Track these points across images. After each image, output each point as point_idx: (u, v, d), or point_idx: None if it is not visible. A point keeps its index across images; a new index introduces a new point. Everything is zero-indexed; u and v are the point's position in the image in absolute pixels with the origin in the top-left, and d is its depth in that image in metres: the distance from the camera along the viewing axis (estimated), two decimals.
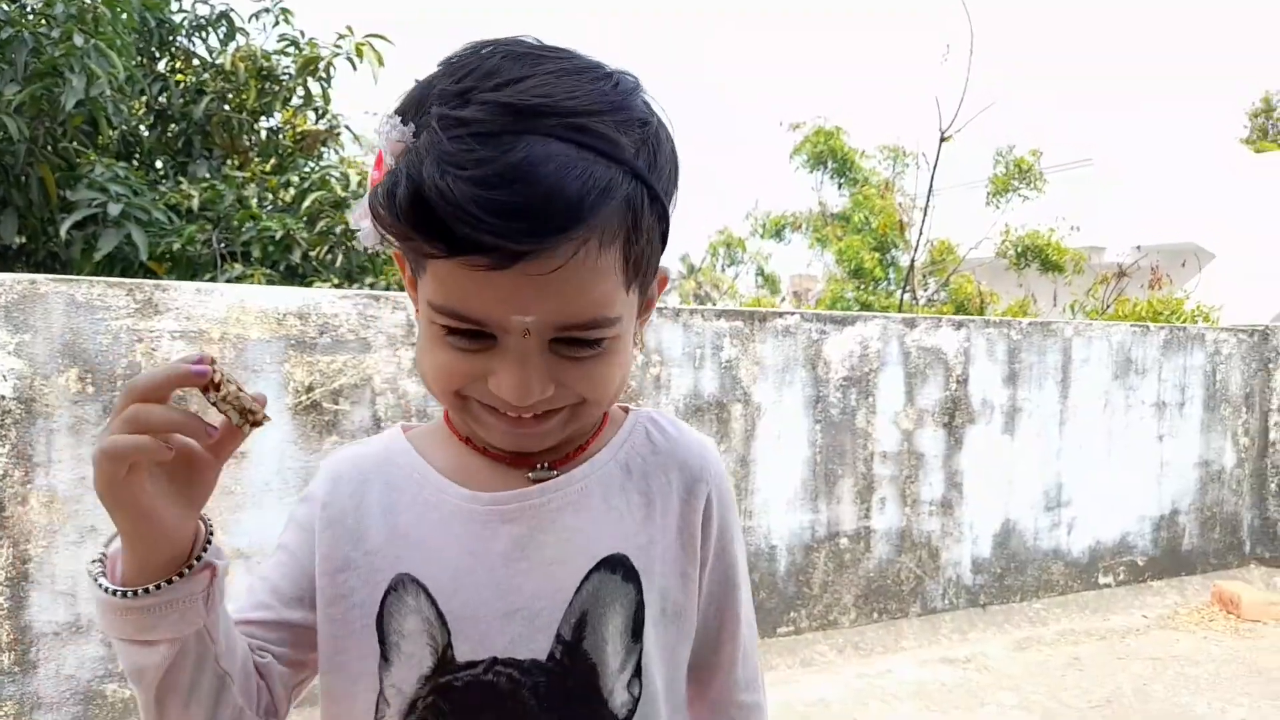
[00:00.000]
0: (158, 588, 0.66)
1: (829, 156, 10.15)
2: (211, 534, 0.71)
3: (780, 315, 3.88)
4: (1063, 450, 4.57)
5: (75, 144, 5.01)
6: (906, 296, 8.98)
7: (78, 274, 4.47)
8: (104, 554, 0.69)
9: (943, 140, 6.86)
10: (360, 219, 0.70)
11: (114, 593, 0.66)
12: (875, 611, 4.12)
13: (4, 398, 2.59)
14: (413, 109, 0.67)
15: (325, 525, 0.80)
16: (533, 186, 0.61)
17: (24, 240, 4.86)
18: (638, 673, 0.78)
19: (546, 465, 0.80)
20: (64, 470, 2.65)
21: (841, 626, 4.03)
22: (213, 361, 0.65)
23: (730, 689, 0.89)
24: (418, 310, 0.74)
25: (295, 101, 6.11)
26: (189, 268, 4.79)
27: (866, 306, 9.22)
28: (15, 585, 2.63)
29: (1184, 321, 7.61)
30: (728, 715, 0.90)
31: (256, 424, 0.67)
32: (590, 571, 0.77)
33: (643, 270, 0.72)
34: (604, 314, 0.69)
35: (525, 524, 0.77)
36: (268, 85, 5.91)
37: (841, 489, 4.01)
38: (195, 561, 0.68)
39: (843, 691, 3.55)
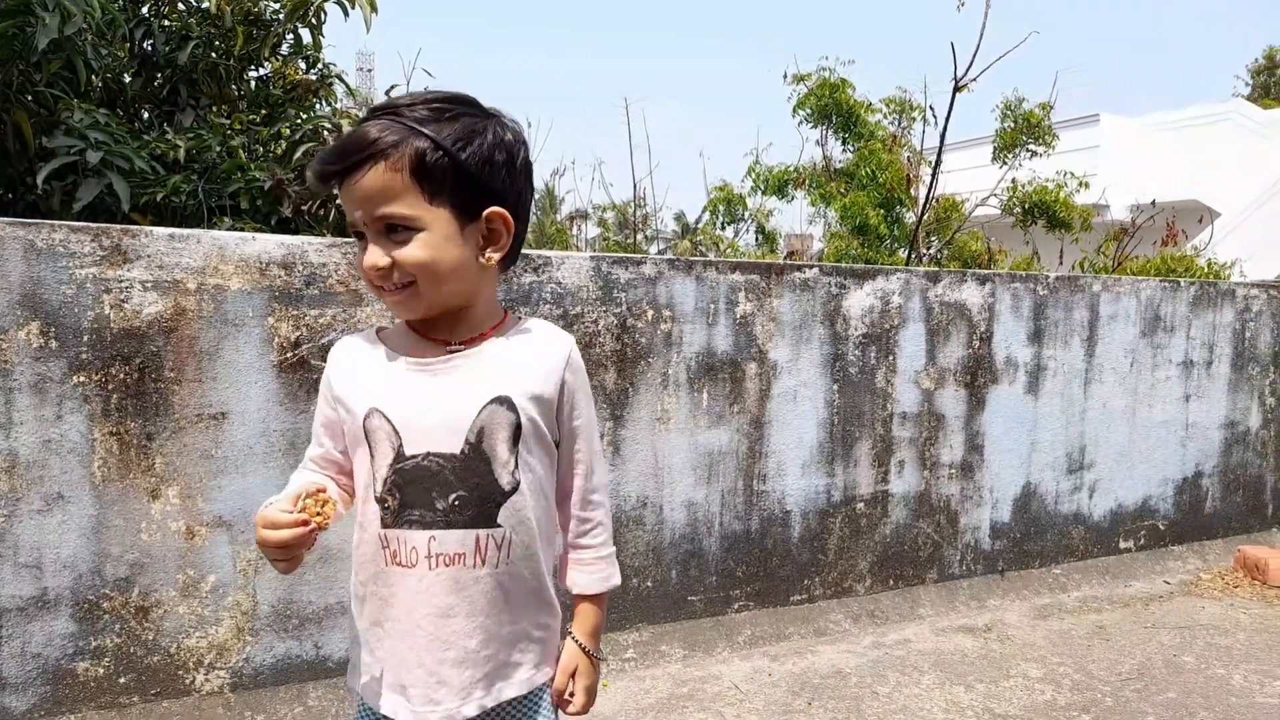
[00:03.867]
0: None
1: (834, 110, 9.84)
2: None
3: (799, 268, 3.65)
4: (1087, 411, 4.38)
5: (54, 91, 4.71)
6: (911, 255, 8.74)
7: None
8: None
9: (957, 90, 6.57)
10: (312, 183, 1.26)
11: None
12: (891, 578, 3.95)
13: None
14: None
15: (336, 386, 1.32)
16: (346, 140, 1.21)
17: (1, 191, 4.58)
18: (516, 467, 1.27)
19: (460, 344, 1.29)
20: (26, 433, 2.43)
21: (857, 594, 3.87)
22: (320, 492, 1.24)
23: (584, 492, 1.40)
24: None
25: (284, 49, 5.78)
26: (174, 220, 4.52)
27: (870, 265, 8.98)
28: None
29: (1200, 277, 7.39)
30: (584, 509, 1.41)
31: (323, 528, 1.21)
32: (487, 403, 1.25)
33: (441, 191, 1.19)
34: (400, 211, 1.18)
35: (446, 376, 1.27)
36: (255, 31, 5.57)
37: (859, 452, 3.81)
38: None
39: (859, 662, 3.39)
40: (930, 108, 9.48)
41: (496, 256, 1.26)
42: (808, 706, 3.01)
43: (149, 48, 5.40)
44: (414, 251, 1.18)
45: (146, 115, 5.60)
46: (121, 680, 2.59)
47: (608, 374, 3.29)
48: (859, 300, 3.76)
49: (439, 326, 1.28)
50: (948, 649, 3.54)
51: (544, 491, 1.33)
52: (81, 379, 2.48)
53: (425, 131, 1.17)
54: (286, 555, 1.17)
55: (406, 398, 1.24)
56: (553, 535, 1.39)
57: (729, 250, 12.35)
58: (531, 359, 1.30)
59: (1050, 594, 4.20)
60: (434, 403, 1.23)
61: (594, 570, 1.42)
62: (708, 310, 3.45)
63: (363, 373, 1.29)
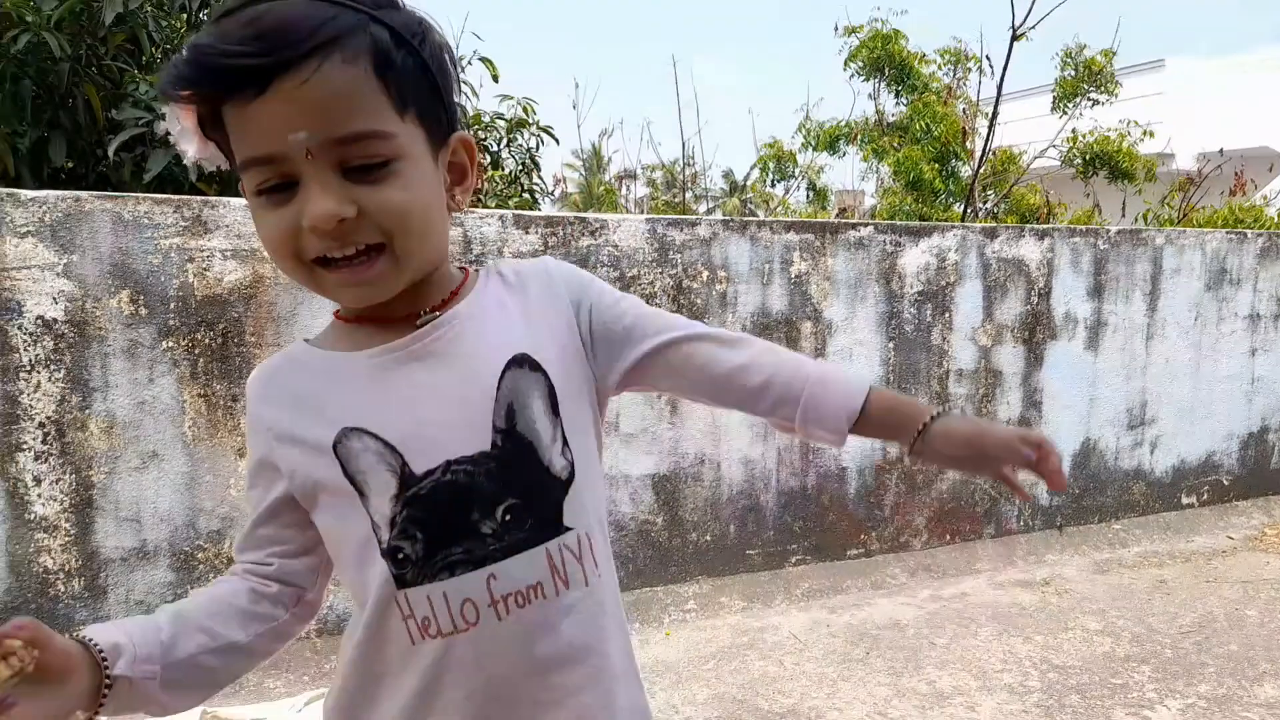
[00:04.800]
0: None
1: (886, 62, 9.65)
2: (105, 663, 0.79)
3: (853, 226, 3.66)
4: (1149, 366, 4.33)
5: (119, 63, 4.86)
6: (966, 210, 8.60)
7: None
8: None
9: (1014, 39, 6.41)
10: (172, 123, 0.83)
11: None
12: (948, 534, 3.98)
13: (56, 321, 2.50)
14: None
15: (274, 425, 0.91)
16: (266, 21, 0.76)
17: (73, 163, 4.77)
18: (566, 442, 0.92)
19: (431, 310, 0.92)
20: (121, 395, 2.58)
21: (913, 548, 3.91)
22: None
23: (715, 342, 1.00)
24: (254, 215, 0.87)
25: None
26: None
27: (924, 220, 8.87)
28: (80, 512, 2.59)
29: (1269, 228, 7.17)
30: (720, 347, 1.00)
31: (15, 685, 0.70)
32: (504, 370, 0.90)
33: (410, 101, 0.83)
34: (371, 125, 0.80)
35: (432, 356, 0.90)
36: None
37: None
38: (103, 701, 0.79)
39: (916, 614, 3.45)
40: (986, 57, 9.24)
41: (466, 199, 0.95)
42: (866, 656, 3.08)
43: (204, 18, 5.54)
44: (394, 193, 0.82)
45: None
46: None
47: None
48: (914, 257, 3.76)
49: (395, 303, 0.90)
50: (1005, 602, 3.58)
51: (596, 465, 0.99)
52: (170, 344, 2.61)
53: (378, 15, 0.81)
54: None
55: (391, 399, 0.88)
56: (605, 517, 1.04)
57: (779, 208, 12.26)
58: (525, 299, 0.97)
59: (1110, 549, 4.19)
60: (434, 392, 0.89)
61: (835, 382, 0.99)
62: (762, 270, 3.48)
63: (310, 394, 0.91)
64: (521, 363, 0.91)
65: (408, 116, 0.83)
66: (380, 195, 0.81)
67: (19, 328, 2.47)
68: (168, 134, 0.83)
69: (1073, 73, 9.46)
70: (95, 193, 2.51)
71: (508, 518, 0.88)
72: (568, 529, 0.91)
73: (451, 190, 0.93)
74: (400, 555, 0.87)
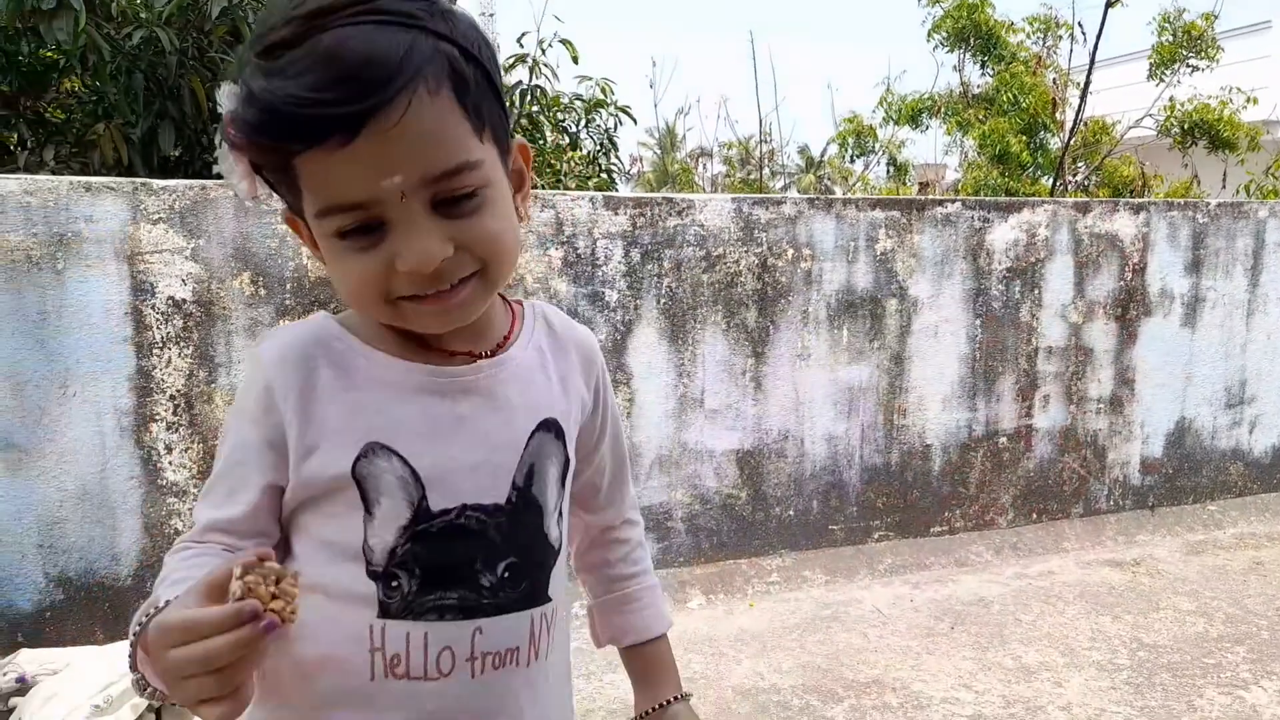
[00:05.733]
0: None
1: (971, 32, 9.42)
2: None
3: (940, 203, 3.64)
4: (1248, 343, 4.20)
5: (220, 54, 5.11)
6: (1056, 183, 8.37)
7: None
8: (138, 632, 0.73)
9: (1109, 4, 6.20)
10: (225, 165, 0.77)
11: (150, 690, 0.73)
12: (1034, 512, 3.96)
13: (185, 301, 2.70)
14: (235, 72, 0.75)
15: (293, 406, 0.84)
16: (346, 59, 0.70)
17: (181, 151, 5.04)
18: (562, 515, 0.94)
19: (488, 354, 0.91)
20: (243, 371, 2.76)
21: (999, 527, 3.90)
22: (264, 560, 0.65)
23: (621, 511, 1.12)
24: (318, 252, 0.82)
25: None
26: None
27: (1011, 195, 8.66)
28: (206, 478, 2.79)
29: None
30: (622, 527, 1.13)
31: (286, 620, 0.65)
32: (534, 431, 0.91)
33: (485, 119, 0.79)
34: (464, 157, 0.76)
35: (478, 394, 0.88)
36: None
37: (1002, 386, 3.81)
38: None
39: (1002, 591, 3.46)
40: (1079, 24, 8.95)
41: (527, 207, 0.90)
42: (950, 630, 3.11)
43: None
44: (488, 223, 0.79)
45: None
46: None
47: (749, 312, 3.40)
48: (1003, 234, 3.72)
49: (458, 331, 0.86)
50: (1094, 581, 3.55)
51: (573, 535, 1.09)
52: (286, 322, 2.79)
53: (444, 32, 0.76)
54: (225, 684, 0.64)
55: (431, 427, 0.85)
56: None
57: (857, 184, 12.10)
58: (565, 363, 0.98)
59: (1204, 530, 4.11)
60: (472, 432, 0.87)
61: (653, 605, 1.11)
62: (847, 248, 3.50)
63: (341, 388, 0.85)
64: (550, 427, 0.92)
65: (484, 135, 0.79)
66: (476, 228, 0.78)
67: (152, 307, 2.66)
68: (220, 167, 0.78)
69: (1170, 38, 9.07)
70: (218, 182, 2.69)
71: (507, 575, 0.87)
72: (549, 599, 0.91)
73: (513, 200, 0.87)
74: (394, 584, 0.83)
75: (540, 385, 0.93)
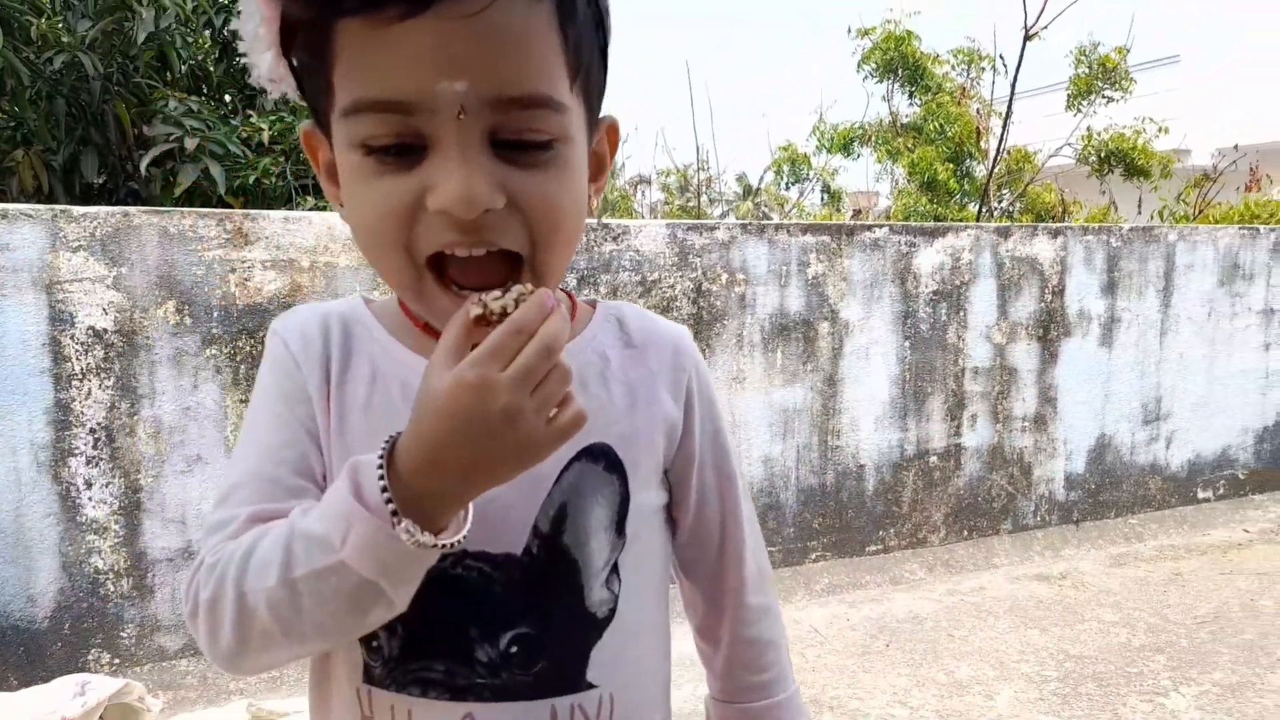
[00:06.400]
0: (460, 541, 0.60)
1: (900, 63, 9.71)
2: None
3: (869, 228, 3.74)
4: (1163, 361, 4.38)
5: (146, 80, 5.02)
6: (982, 209, 8.65)
7: None
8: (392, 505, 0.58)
9: (1027, 38, 6.47)
10: (247, 26, 0.62)
11: (442, 544, 0.58)
12: (965, 529, 4.05)
13: (106, 331, 2.63)
14: None
15: (318, 389, 0.71)
16: None
17: (104, 178, 4.93)
18: (616, 571, 0.74)
19: None
20: (168, 401, 2.70)
21: (931, 544, 3.98)
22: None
23: (738, 590, 0.84)
24: (336, 190, 0.67)
25: None
26: (263, 201, 4.81)
27: (939, 220, 8.92)
28: (129, 514, 2.71)
29: None
30: (736, 618, 0.85)
31: None
32: (570, 461, 0.71)
33: (583, 64, 0.64)
34: (546, 90, 0.60)
35: None
36: None
37: (931, 406, 3.91)
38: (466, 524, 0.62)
39: (935, 608, 3.52)
40: (1000, 57, 9.29)
41: (598, 202, 0.74)
42: (885, 648, 3.16)
43: (228, 34, 5.68)
44: (552, 186, 0.63)
45: (229, 99, 5.91)
46: None
47: None
48: (929, 258, 3.83)
49: None
50: (1023, 595, 3.64)
51: (653, 611, 0.80)
52: (213, 352, 2.73)
53: None
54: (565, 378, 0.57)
55: None
56: (669, 673, 0.85)
57: (794, 211, 12.33)
58: (643, 368, 0.78)
59: (1126, 543, 4.25)
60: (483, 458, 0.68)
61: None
62: (780, 272, 3.57)
63: (352, 381, 0.72)
64: (598, 455, 0.72)
65: (576, 87, 0.64)
66: (538, 186, 0.61)
67: (71, 338, 2.59)
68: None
69: (1086, 70, 9.49)
70: (142, 208, 2.63)
71: (513, 650, 0.69)
72: (590, 686, 0.72)
73: (594, 193, 0.73)
74: (374, 643, 0.70)
75: (594, 400, 0.73)
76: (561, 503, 0.71)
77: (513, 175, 0.60)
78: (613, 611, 0.74)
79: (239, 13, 0.62)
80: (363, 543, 0.56)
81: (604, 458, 0.72)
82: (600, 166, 0.73)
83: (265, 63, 0.62)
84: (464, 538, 0.60)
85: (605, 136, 0.73)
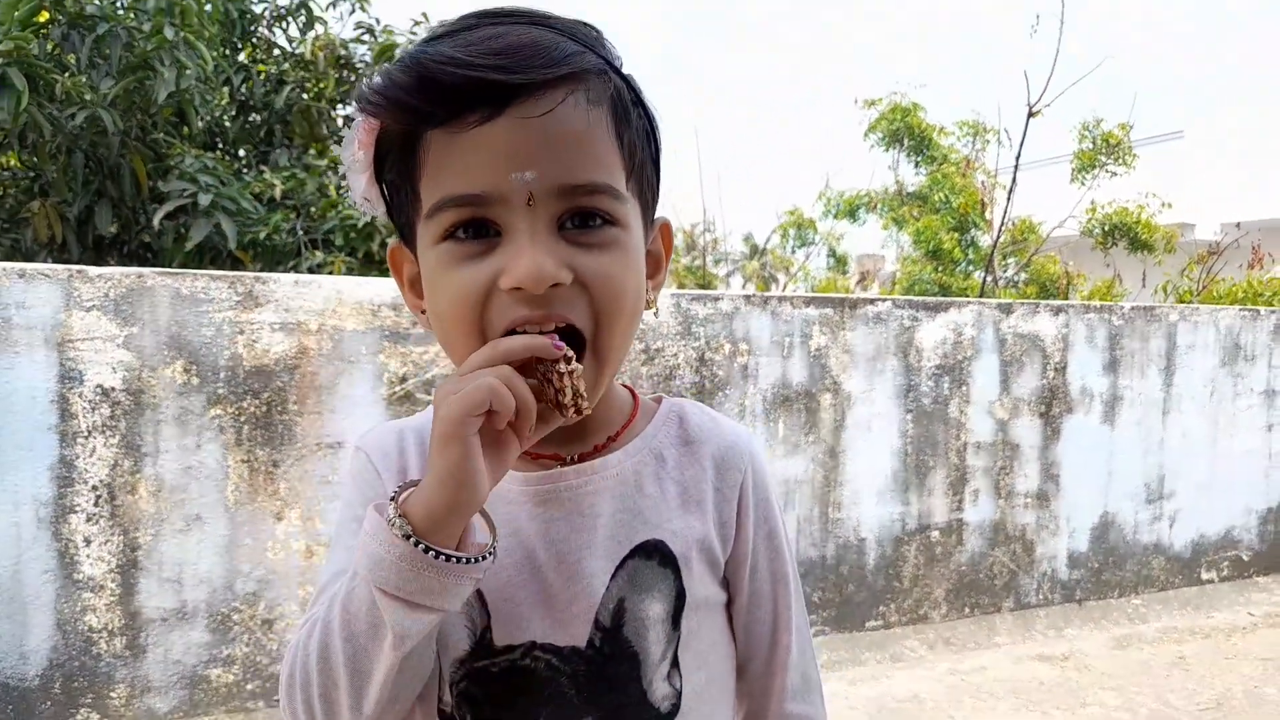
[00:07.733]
0: (480, 559, 0.64)
1: (905, 134, 9.89)
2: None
3: (871, 302, 3.77)
4: (1165, 440, 4.38)
5: (163, 135, 5.13)
6: (986, 278, 8.72)
7: (169, 263, 4.57)
8: (399, 514, 0.64)
9: (1030, 115, 6.60)
10: (348, 154, 0.71)
11: (438, 554, 0.61)
12: (967, 606, 4.01)
13: (114, 389, 2.65)
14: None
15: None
16: (512, 41, 0.65)
17: (117, 230, 5.01)
18: (676, 664, 0.76)
19: (576, 459, 0.77)
20: (170, 460, 2.71)
21: (932, 621, 3.94)
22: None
23: (780, 696, 0.83)
24: (418, 293, 0.74)
25: None
26: (273, 255, 4.88)
27: (944, 288, 8.99)
28: (125, 572, 2.70)
29: None
30: None
31: (579, 413, 0.65)
32: (626, 558, 0.74)
33: (636, 165, 0.72)
34: (606, 180, 0.68)
35: (561, 507, 0.75)
36: (345, 74, 5.96)
37: (933, 480, 3.90)
38: (494, 543, 0.66)
39: (935, 688, 3.47)
40: (1005, 130, 9.47)
41: (656, 297, 0.79)
42: None
43: (246, 92, 5.82)
44: (614, 264, 0.69)
45: (243, 154, 6.03)
46: (249, 687, 2.84)
47: None
48: (932, 332, 3.86)
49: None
50: (1024, 677, 3.59)
51: (717, 702, 0.81)
52: (217, 411, 2.75)
53: (612, 61, 0.72)
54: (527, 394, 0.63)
55: (501, 544, 0.70)
56: None
57: (799, 273, 12.43)
58: (695, 466, 0.80)
59: (1129, 624, 4.19)
60: (548, 556, 0.74)
61: None
62: (783, 343, 3.59)
63: None
64: (653, 552, 0.75)
65: (631, 182, 0.71)
66: (601, 265, 0.67)
67: (79, 395, 2.61)
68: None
69: (1090, 145, 9.63)
70: (157, 269, 2.68)
71: None
72: None
73: (652, 288, 0.78)
74: None
75: (648, 498, 0.76)
76: (620, 597, 0.74)
77: (578, 255, 0.67)
78: (676, 707, 0.76)
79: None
80: (364, 544, 0.63)
81: (657, 553, 0.76)
82: (656, 265, 0.79)
83: (360, 185, 0.72)
84: (473, 559, 0.63)
85: (659, 236, 0.80)
